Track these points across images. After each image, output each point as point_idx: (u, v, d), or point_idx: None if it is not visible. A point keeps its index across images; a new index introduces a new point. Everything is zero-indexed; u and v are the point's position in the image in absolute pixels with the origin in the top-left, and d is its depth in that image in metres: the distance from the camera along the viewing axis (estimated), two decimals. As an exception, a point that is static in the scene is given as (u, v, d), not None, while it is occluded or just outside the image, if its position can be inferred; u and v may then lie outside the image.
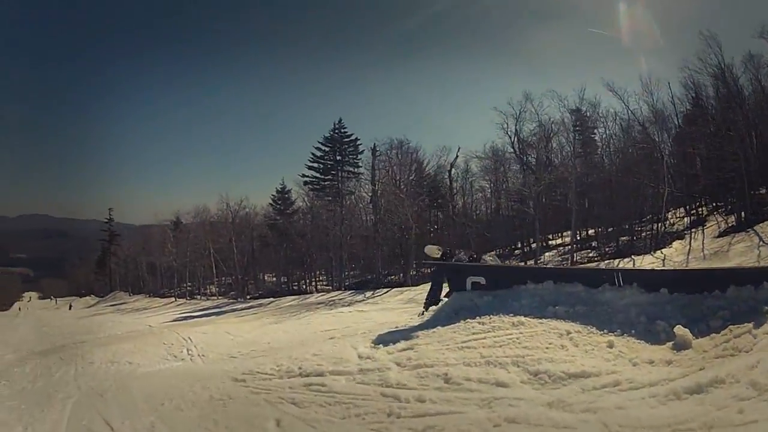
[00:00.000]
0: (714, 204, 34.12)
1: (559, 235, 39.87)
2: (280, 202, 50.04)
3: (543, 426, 5.07)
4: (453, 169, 43.26)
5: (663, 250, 29.24)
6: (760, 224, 26.63)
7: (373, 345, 8.84)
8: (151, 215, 71.36)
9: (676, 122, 35.48)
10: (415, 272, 38.89)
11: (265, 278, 52.69)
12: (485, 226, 43.57)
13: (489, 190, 45.16)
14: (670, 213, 33.40)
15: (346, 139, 46.21)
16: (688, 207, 34.87)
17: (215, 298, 48.34)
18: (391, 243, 41.48)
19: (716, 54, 31.56)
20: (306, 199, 48.03)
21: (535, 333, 7.38)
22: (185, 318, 29.47)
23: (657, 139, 34.55)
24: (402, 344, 8.31)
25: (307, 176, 46.66)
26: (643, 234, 33.83)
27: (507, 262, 36.24)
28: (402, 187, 41.24)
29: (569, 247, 35.75)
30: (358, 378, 7.35)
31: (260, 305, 34.72)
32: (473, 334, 7.88)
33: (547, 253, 36.54)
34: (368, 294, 32.10)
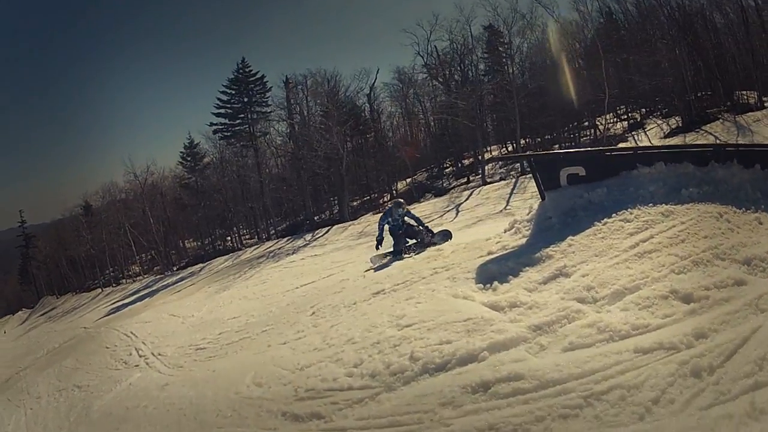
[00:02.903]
0: (647, 109, 34.70)
1: (487, 149, 38.60)
2: (189, 159, 46.02)
3: None
4: (373, 92, 41.51)
5: (612, 152, 28.91)
6: (707, 125, 27.61)
7: (485, 286, 6.48)
8: (62, 209, 65.90)
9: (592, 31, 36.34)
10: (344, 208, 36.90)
11: (186, 245, 49.95)
12: (415, 147, 41.42)
13: (399, 114, 43.97)
14: (602, 119, 33.55)
15: (251, 78, 42.78)
16: (618, 112, 35.31)
17: (141, 277, 44.71)
18: (316, 180, 39.43)
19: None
20: (216, 149, 44.86)
21: (695, 220, 6.56)
22: (118, 308, 26.71)
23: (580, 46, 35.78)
24: (537, 273, 6.32)
25: (216, 124, 43.20)
26: (582, 139, 34.01)
27: (440, 182, 36.52)
28: (322, 116, 38.58)
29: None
30: (570, 350, 4.82)
31: (191, 274, 32.31)
32: (631, 235, 6.48)
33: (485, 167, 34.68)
34: (308, 237, 29.71)
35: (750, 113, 27.34)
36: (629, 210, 6.85)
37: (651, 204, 6.90)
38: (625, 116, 34.92)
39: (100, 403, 8.96)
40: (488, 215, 21.29)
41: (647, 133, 30.98)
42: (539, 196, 8.19)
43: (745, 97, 29.38)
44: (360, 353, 5.68)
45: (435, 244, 12.12)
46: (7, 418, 11.01)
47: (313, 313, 8.51)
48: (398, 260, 11.62)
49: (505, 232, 8.62)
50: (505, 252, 7.49)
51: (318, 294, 10.53)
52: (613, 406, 3.87)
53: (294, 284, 13.95)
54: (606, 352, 4.53)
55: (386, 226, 12.62)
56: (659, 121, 31.73)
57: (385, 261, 12.08)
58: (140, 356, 11.32)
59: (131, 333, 14.28)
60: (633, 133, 31.73)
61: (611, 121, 34.24)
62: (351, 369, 5.43)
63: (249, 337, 9.01)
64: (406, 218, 12.62)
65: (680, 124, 29.68)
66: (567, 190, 7.84)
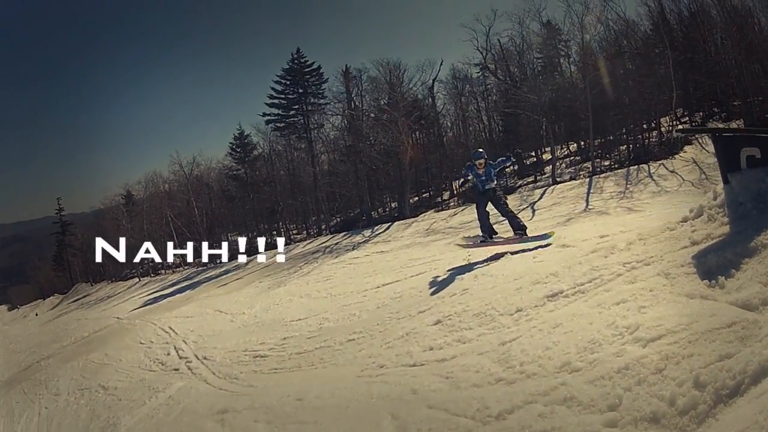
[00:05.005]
0: (705, 113, 33.03)
1: (542, 150, 36.10)
2: (239, 150, 45.02)
3: None
4: (434, 85, 38.91)
5: (680, 154, 27.73)
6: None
7: (711, 282, 5.51)
8: (102, 198, 65.67)
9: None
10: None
11: (230, 238, 47.31)
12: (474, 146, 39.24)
13: (453, 114, 41.03)
14: (665, 119, 32.14)
15: (307, 69, 41.82)
16: (677, 114, 33.19)
17: (181, 269, 43.43)
18: (372, 175, 37.89)
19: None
20: (267, 140, 43.73)
21: None
22: (155, 299, 25.19)
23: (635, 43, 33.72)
24: (761, 265, 5.33)
25: (269, 114, 42.05)
26: (646, 142, 32.54)
27: (502, 181, 33.78)
28: (386, 107, 36.89)
29: (573, 158, 33.67)
30: None
31: (237, 267, 30.68)
32: None
33: (546, 168, 33.36)
34: (367, 234, 28.05)
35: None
36: None
37: None
38: (685, 119, 33.23)
39: (131, 420, 7.22)
40: (574, 214, 19.65)
41: (711, 136, 29.51)
42: (721, 178, 7.40)
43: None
44: (602, 386, 4.15)
45: (525, 236, 10.83)
46: (18, 414, 10.10)
47: (438, 321, 6.71)
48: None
49: (686, 220, 7.63)
50: (713, 242, 6.52)
51: (420, 296, 8.66)
52: None
53: (370, 283, 11.99)
54: None
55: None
56: (720, 125, 29.54)
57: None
58: (180, 358, 9.86)
59: (170, 328, 13.02)
60: (697, 136, 29.67)
61: (673, 124, 32.42)
62: (608, 414, 3.93)
63: (329, 346, 7.27)
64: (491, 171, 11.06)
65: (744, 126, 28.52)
66: (747, 173, 7.18)
